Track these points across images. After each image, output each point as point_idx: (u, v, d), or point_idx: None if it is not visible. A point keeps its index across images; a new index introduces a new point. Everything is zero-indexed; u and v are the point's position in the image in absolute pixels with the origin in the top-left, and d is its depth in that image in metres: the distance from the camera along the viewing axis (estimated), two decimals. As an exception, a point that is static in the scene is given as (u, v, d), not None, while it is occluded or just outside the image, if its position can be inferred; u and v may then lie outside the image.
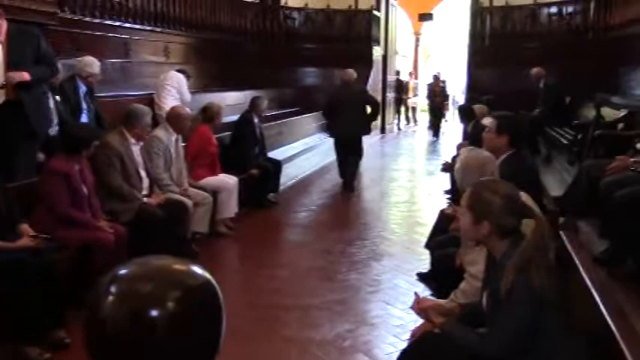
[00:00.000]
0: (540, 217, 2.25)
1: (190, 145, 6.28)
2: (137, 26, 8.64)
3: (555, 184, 6.17)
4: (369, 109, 8.88)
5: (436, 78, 16.79)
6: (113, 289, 0.92)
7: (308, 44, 13.51)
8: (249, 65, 11.93)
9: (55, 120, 5.13)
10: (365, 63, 13.07)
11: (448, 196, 7.43)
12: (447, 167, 6.39)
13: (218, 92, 9.30)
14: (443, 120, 17.05)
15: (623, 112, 6.18)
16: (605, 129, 5.88)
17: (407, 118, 19.66)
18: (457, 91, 20.08)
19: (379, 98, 12.18)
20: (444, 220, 4.47)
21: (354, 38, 13.68)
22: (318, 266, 5.42)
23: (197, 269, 0.97)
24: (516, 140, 4.05)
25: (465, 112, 8.73)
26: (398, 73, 18.15)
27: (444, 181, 8.22)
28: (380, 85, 14.69)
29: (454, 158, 6.21)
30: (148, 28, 8.94)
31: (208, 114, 6.51)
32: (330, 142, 10.22)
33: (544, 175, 6.33)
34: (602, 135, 5.56)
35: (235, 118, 7.83)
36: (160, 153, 5.54)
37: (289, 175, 8.85)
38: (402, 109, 18.91)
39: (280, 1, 13.76)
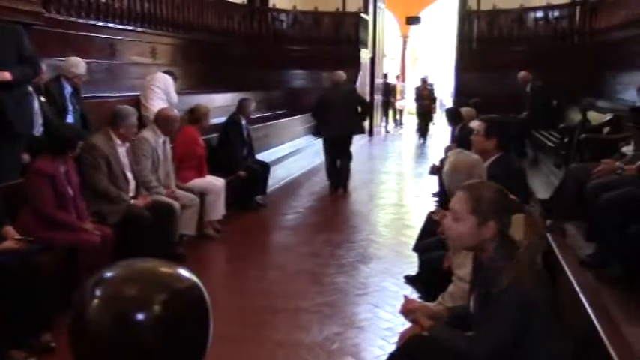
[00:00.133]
0: (533, 217, 2.26)
1: (177, 146, 6.25)
2: (123, 27, 8.57)
3: (542, 187, 6.21)
4: (359, 109, 8.93)
5: (424, 81, 16.84)
6: (98, 291, 0.90)
7: (296, 46, 13.51)
8: (237, 67, 11.90)
9: (40, 121, 5.07)
10: (353, 65, 13.08)
11: (436, 199, 7.45)
12: (435, 170, 6.41)
13: (205, 94, 9.25)
14: (430, 123, 17.10)
15: (608, 116, 6.24)
16: (591, 133, 5.94)
17: (395, 120, 19.70)
18: (445, 94, 20.16)
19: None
20: (432, 223, 4.48)
21: (342, 40, 13.70)
22: (307, 269, 5.41)
23: (183, 272, 0.95)
24: (504, 143, 4.07)
25: (453, 115, 8.77)
26: (385, 75, 18.19)
27: (432, 183, 8.24)
28: (368, 88, 14.71)
29: (442, 161, 6.23)
30: (135, 28, 8.88)
31: (195, 115, 6.48)
32: (318, 144, 10.21)
33: (531, 178, 6.37)
34: (588, 138, 5.61)
35: (223, 119, 7.80)
36: (147, 155, 5.51)
37: (277, 178, 8.83)
38: (390, 111, 18.95)
39: (268, 3, 13.74)
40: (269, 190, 8.03)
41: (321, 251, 5.91)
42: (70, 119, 5.71)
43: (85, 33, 7.64)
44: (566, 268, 3.47)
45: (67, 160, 4.32)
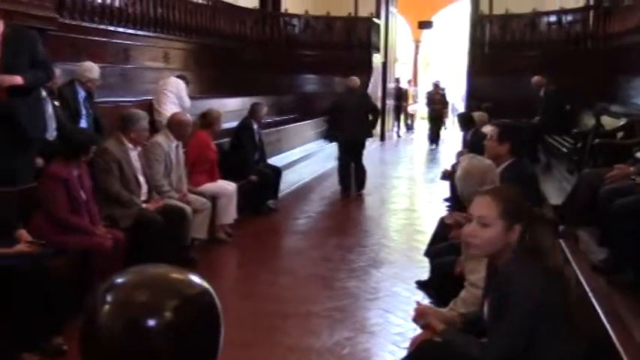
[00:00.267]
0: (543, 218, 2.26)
1: (189, 151, 6.27)
2: (137, 32, 8.64)
3: (555, 192, 6.17)
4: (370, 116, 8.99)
5: (436, 86, 16.79)
6: (109, 297, 0.90)
7: (308, 51, 13.53)
8: (249, 71, 11.94)
9: (54, 125, 5.11)
10: (365, 70, 13.07)
11: (448, 203, 7.42)
12: (447, 175, 6.39)
13: (217, 98, 9.29)
14: (442, 128, 17.05)
15: (622, 121, 6.19)
16: (604, 137, 5.89)
17: (406, 125, 19.67)
18: (457, 99, 20.11)
19: (379, 105, 12.20)
20: (444, 228, 4.46)
21: (354, 45, 13.69)
22: (318, 273, 5.41)
23: (194, 278, 0.95)
24: (517, 148, 4.05)
25: (465, 120, 8.74)
26: (397, 80, 18.19)
27: (444, 188, 8.21)
28: (379, 93, 14.70)
29: (454, 166, 6.21)
30: (148, 33, 8.94)
31: (207, 120, 6.50)
32: (329, 148, 10.23)
33: (543, 183, 6.33)
34: (601, 143, 5.57)
35: (235, 124, 7.83)
36: (159, 159, 5.53)
37: (289, 182, 8.84)
38: (402, 116, 18.93)
39: (280, 8, 13.79)
40: (280, 194, 8.04)
41: (333, 256, 5.90)
42: (83, 123, 5.75)
43: (98, 38, 7.70)
44: (579, 274, 3.45)
45: (80, 164, 4.35)
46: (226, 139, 7.48)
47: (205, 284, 0.95)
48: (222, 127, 6.95)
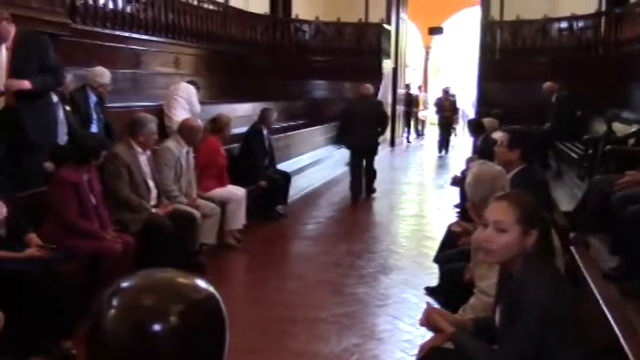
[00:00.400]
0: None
1: (199, 155, 6.29)
2: (148, 37, 8.69)
3: (565, 199, 6.13)
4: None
5: (445, 92, 16.75)
6: (115, 301, 0.90)
7: (318, 57, 13.55)
8: (259, 77, 11.97)
9: (65, 130, 5.14)
10: (375, 76, 13.09)
11: (457, 210, 7.39)
12: (457, 181, 6.37)
13: (228, 104, 9.32)
14: (452, 134, 17.00)
15: (634, 128, 6.15)
16: (615, 144, 5.85)
17: (416, 131, 19.65)
18: (467, 105, 20.08)
19: (389, 111, 12.20)
20: (453, 235, 4.44)
21: (365, 51, 13.71)
22: (327, 279, 5.40)
23: (200, 282, 0.95)
24: (528, 154, 4.03)
25: (475, 126, 8.72)
26: (408, 86, 18.18)
27: (454, 195, 8.19)
28: (390, 98, 14.70)
29: (463, 172, 6.19)
30: (159, 39, 8.99)
31: (217, 125, 6.52)
32: (338, 154, 10.24)
33: (554, 189, 6.30)
34: (612, 150, 5.53)
35: (245, 129, 7.84)
36: (170, 164, 5.54)
37: (298, 187, 8.84)
38: (412, 122, 18.91)
39: (291, 14, 13.83)
40: (290, 199, 8.04)
41: (342, 261, 5.89)
42: (94, 128, 5.78)
43: (110, 43, 7.76)
44: (590, 281, 3.42)
45: (90, 168, 4.37)
46: (236, 145, 7.49)
47: (211, 289, 0.95)
48: (232, 133, 6.97)
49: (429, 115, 20.43)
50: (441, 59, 26.77)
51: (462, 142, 17.47)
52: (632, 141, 5.87)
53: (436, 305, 4.45)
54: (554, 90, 9.87)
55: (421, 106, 19.80)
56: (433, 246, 5.38)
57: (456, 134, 18.39)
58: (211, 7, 10.74)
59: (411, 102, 18.29)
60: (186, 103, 7.37)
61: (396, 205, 9.08)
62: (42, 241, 3.82)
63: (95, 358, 0.90)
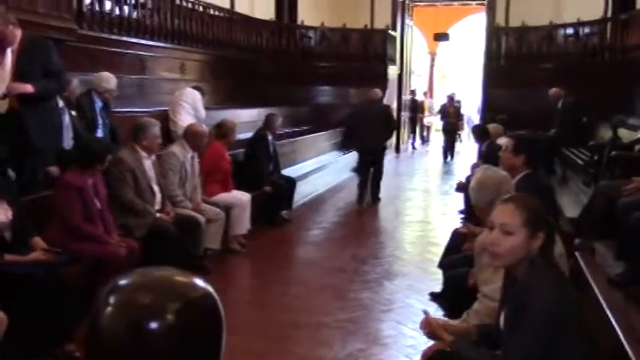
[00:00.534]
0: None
1: (204, 160, 6.30)
2: (154, 43, 8.73)
3: (571, 204, 6.11)
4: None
5: (450, 98, 16.70)
6: (112, 299, 0.90)
7: (323, 63, 13.57)
8: (265, 83, 12.00)
9: (71, 134, 5.15)
10: (380, 82, 13.07)
11: (462, 215, 7.38)
12: (462, 187, 6.36)
13: (233, 109, 9.34)
14: (457, 140, 16.97)
15: (640, 134, 6.13)
16: (621, 150, 5.83)
17: (422, 137, 19.63)
18: (472, 111, 20.06)
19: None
20: (457, 240, 4.43)
21: (370, 57, 13.73)
22: (331, 284, 5.39)
23: (197, 281, 0.95)
24: (533, 160, 4.02)
25: (480, 132, 8.71)
26: (413, 92, 18.18)
27: (458, 200, 8.17)
28: (395, 105, 14.70)
29: (468, 178, 6.18)
30: (165, 44, 9.03)
31: (222, 130, 6.53)
32: (343, 160, 10.24)
33: (559, 195, 6.27)
34: (618, 156, 5.52)
35: (250, 135, 7.85)
36: (174, 169, 5.56)
37: (303, 193, 8.84)
38: (417, 128, 18.90)
39: (297, 20, 13.86)
40: (294, 205, 8.04)
41: (346, 267, 5.88)
42: (99, 133, 5.81)
43: (116, 49, 7.80)
44: (595, 287, 3.40)
45: (95, 173, 4.38)
46: (241, 150, 7.50)
47: (208, 287, 0.95)
48: (237, 138, 6.97)
49: (434, 121, 20.41)
50: (446, 65, 26.79)
51: (467, 149, 17.44)
52: (637, 147, 5.85)
53: (440, 310, 4.46)
54: (560, 96, 9.85)
55: (426, 112, 19.78)
56: (438, 252, 5.36)
57: (461, 140, 18.35)
58: (217, 12, 10.77)
59: (417, 108, 18.28)
60: (191, 108, 7.39)
61: (401, 211, 9.07)
62: (47, 244, 3.83)
63: (93, 355, 0.90)
